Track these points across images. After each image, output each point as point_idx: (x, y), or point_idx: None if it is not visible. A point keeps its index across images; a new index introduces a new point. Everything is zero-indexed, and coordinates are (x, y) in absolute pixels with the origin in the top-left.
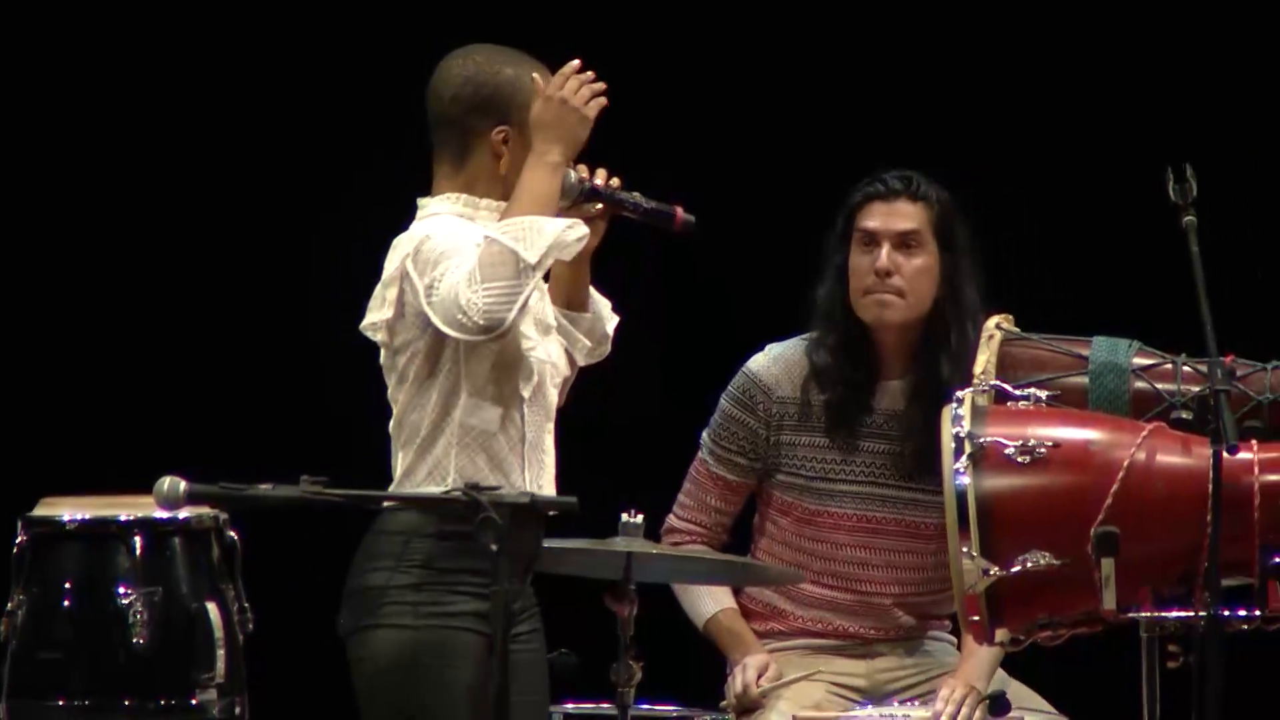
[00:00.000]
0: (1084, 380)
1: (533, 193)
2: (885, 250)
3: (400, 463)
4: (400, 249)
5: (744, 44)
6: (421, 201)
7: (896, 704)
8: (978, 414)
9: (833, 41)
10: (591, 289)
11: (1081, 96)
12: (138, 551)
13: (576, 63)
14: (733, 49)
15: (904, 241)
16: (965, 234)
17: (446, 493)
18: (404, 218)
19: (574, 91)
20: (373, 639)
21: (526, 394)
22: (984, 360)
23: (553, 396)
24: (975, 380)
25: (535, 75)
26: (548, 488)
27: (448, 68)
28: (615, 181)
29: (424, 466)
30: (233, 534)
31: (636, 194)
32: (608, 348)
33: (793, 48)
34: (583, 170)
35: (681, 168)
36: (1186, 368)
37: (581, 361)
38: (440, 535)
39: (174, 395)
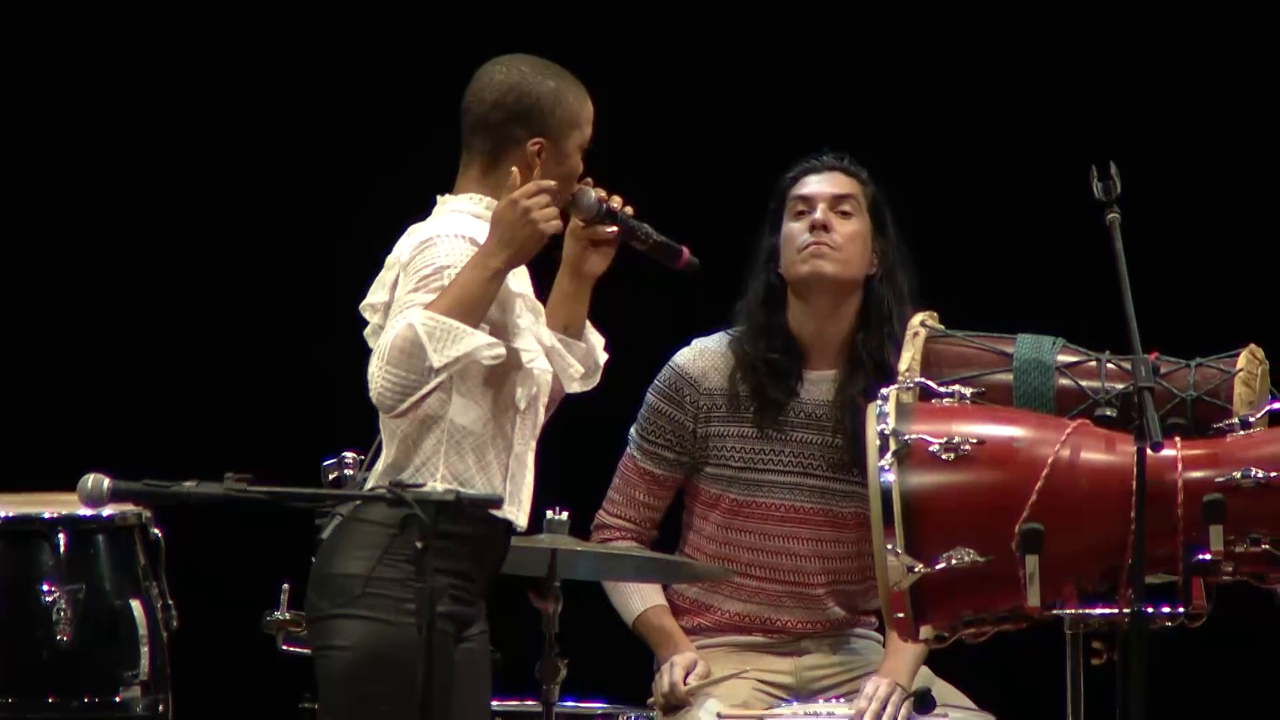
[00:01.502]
0: (1009, 377)
1: (465, 291)
2: (821, 208)
3: (385, 455)
4: (414, 237)
5: (675, 38)
6: (441, 198)
7: (822, 701)
8: (902, 411)
9: (762, 35)
10: (587, 321)
11: (1005, 92)
12: (61, 549)
13: (552, 184)
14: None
15: (838, 205)
16: (896, 227)
17: (371, 489)
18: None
19: (540, 205)
20: (347, 627)
21: (523, 405)
22: (909, 357)
23: (541, 414)
24: (900, 377)
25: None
26: (526, 503)
27: (491, 73)
28: (629, 210)
29: (412, 462)
30: (157, 531)
31: (647, 225)
32: (597, 378)
33: (721, 41)
34: (602, 191)
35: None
36: (1110, 365)
37: (571, 389)
38: (401, 526)
39: (98, 392)
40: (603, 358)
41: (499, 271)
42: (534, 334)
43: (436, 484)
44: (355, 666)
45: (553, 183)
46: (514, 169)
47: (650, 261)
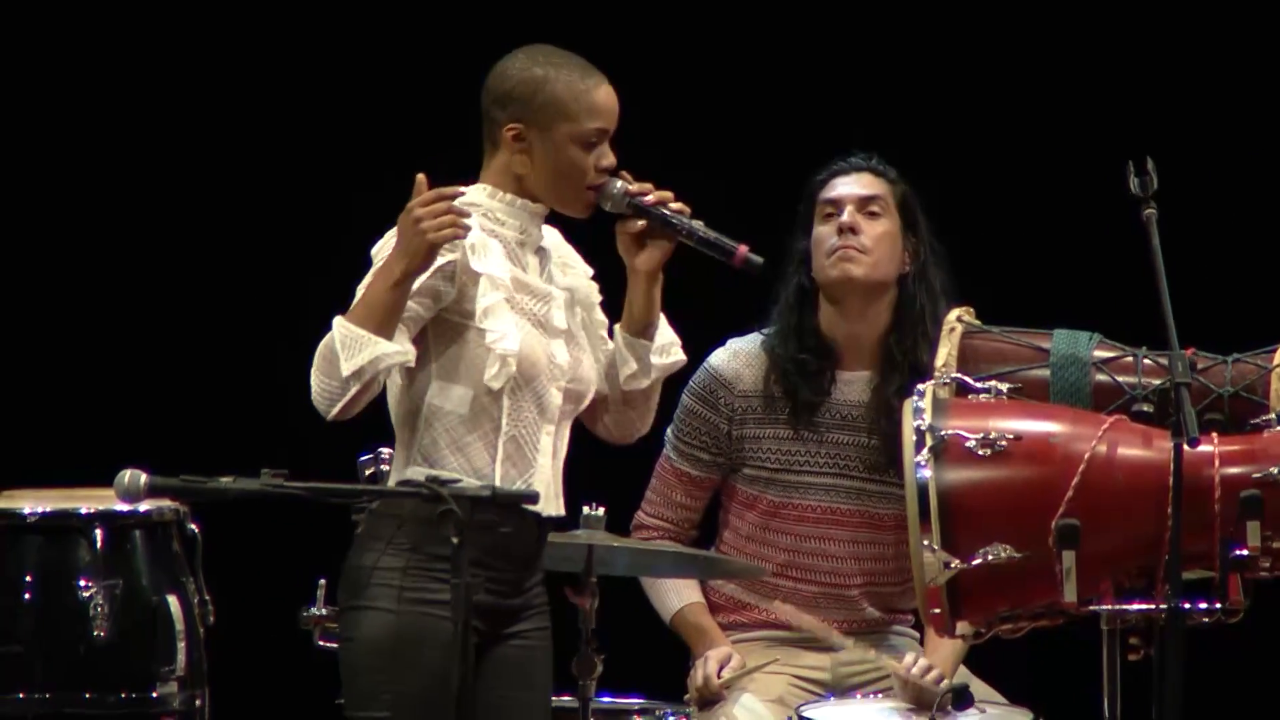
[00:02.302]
0: (1045, 373)
1: (370, 298)
2: (849, 210)
3: (396, 449)
4: None
5: (716, 44)
6: (467, 189)
7: (859, 697)
8: (939, 407)
9: (798, 36)
10: (665, 324)
11: (1043, 88)
12: (99, 544)
13: (455, 190)
14: (698, 46)
15: (866, 206)
16: (928, 225)
17: (411, 486)
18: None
19: (433, 214)
20: (357, 619)
21: (495, 385)
22: (945, 353)
23: (553, 397)
24: (936, 373)
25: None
26: (537, 489)
27: (500, 61)
28: (677, 206)
29: (407, 452)
30: (194, 527)
31: (697, 222)
32: (646, 382)
33: (753, 42)
34: (630, 182)
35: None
36: (1147, 360)
37: (624, 384)
38: (429, 521)
39: (135, 388)
40: (669, 360)
41: (399, 280)
42: (512, 315)
43: (416, 467)
44: (360, 656)
45: (456, 189)
46: (419, 175)
47: (697, 259)
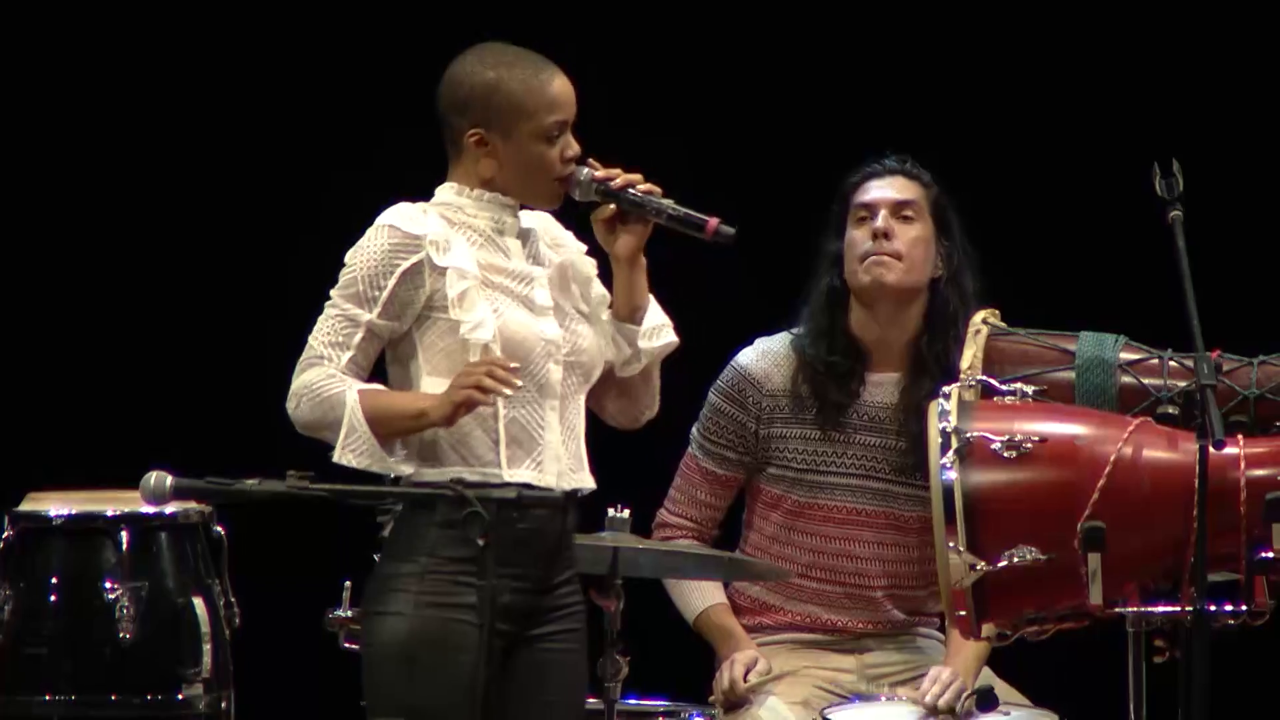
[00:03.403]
0: (1070, 375)
1: (392, 410)
2: (882, 214)
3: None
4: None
5: (740, 42)
6: (437, 189)
7: (884, 697)
8: (964, 409)
9: (825, 37)
10: (656, 307)
11: (1069, 91)
12: (124, 546)
13: (510, 365)
14: (730, 47)
15: (900, 211)
16: (961, 228)
17: (436, 487)
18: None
19: (472, 379)
20: (376, 626)
21: None
22: (970, 355)
23: (552, 373)
24: (962, 375)
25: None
26: (548, 466)
27: (450, 65)
28: (646, 186)
29: (406, 451)
30: (219, 529)
31: (667, 200)
32: (639, 365)
33: (786, 44)
34: (598, 168)
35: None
36: (1173, 363)
37: (619, 371)
38: (448, 524)
39: (160, 390)
40: (659, 343)
41: (424, 423)
42: (490, 303)
43: (420, 466)
44: (380, 662)
45: (510, 364)
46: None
47: (711, 260)
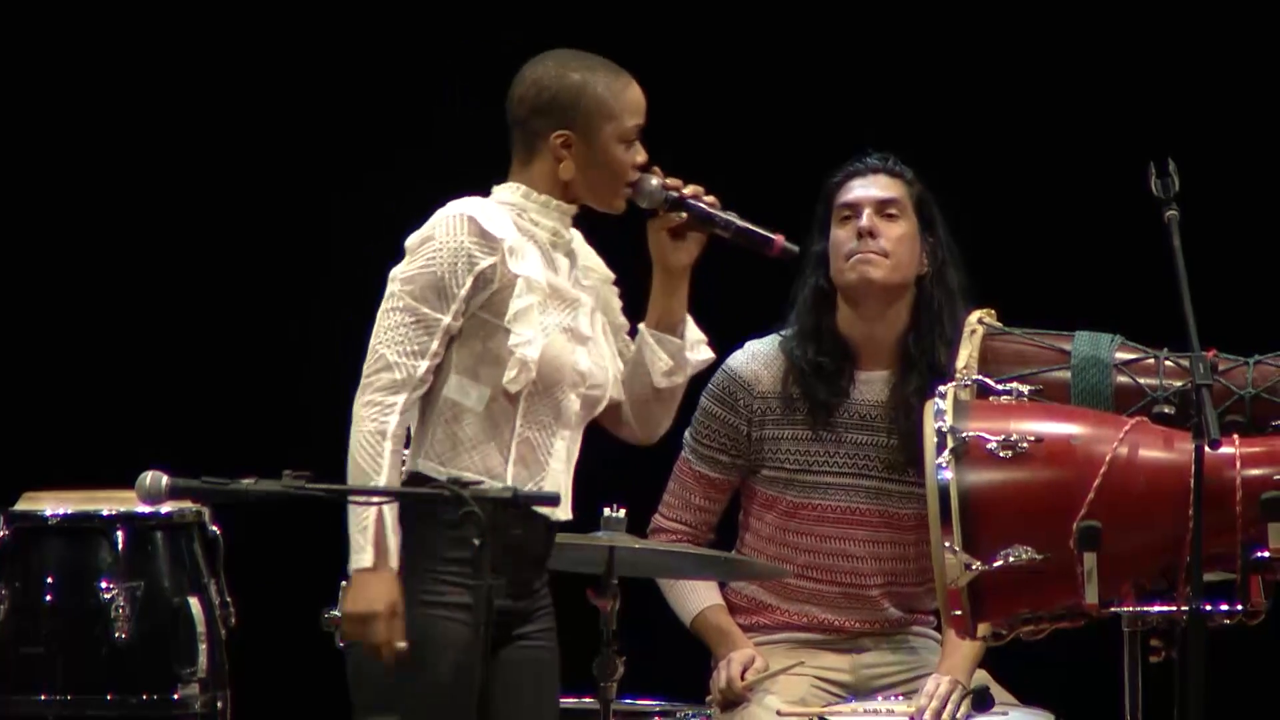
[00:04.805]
0: (1066, 375)
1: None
2: (867, 213)
3: (411, 441)
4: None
5: (726, 42)
6: (495, 188)
7: (880, 699)
8: (960, 408)
9: (812, 36)
10: (690, 320)
11: (1063, 89)
12: (120, 546)
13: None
14: (715, 47)
15: (884, 209)
16: (944, 224)
17: (433, 487)
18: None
19: (377, 637)
20: None
21: (513, 388)
22: (966, 354)
23: (571, 403)
24: (957, 375)
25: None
26: (553, 489)
27: (524, 70)
28: (710, 199)
29: (419, 445)
30: (215, 528)
31: (731, 213)
32: (682, 378)
33: (772, 43)
34: (667, 179)
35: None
36: (1169, 362)
37: (659, 384)
38: (441, 523)
39: (156, 390)
40: (700, 356)
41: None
42: (541, 321)
43: (428, 462)
44: (360, 658)
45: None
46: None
47: (703, 263)
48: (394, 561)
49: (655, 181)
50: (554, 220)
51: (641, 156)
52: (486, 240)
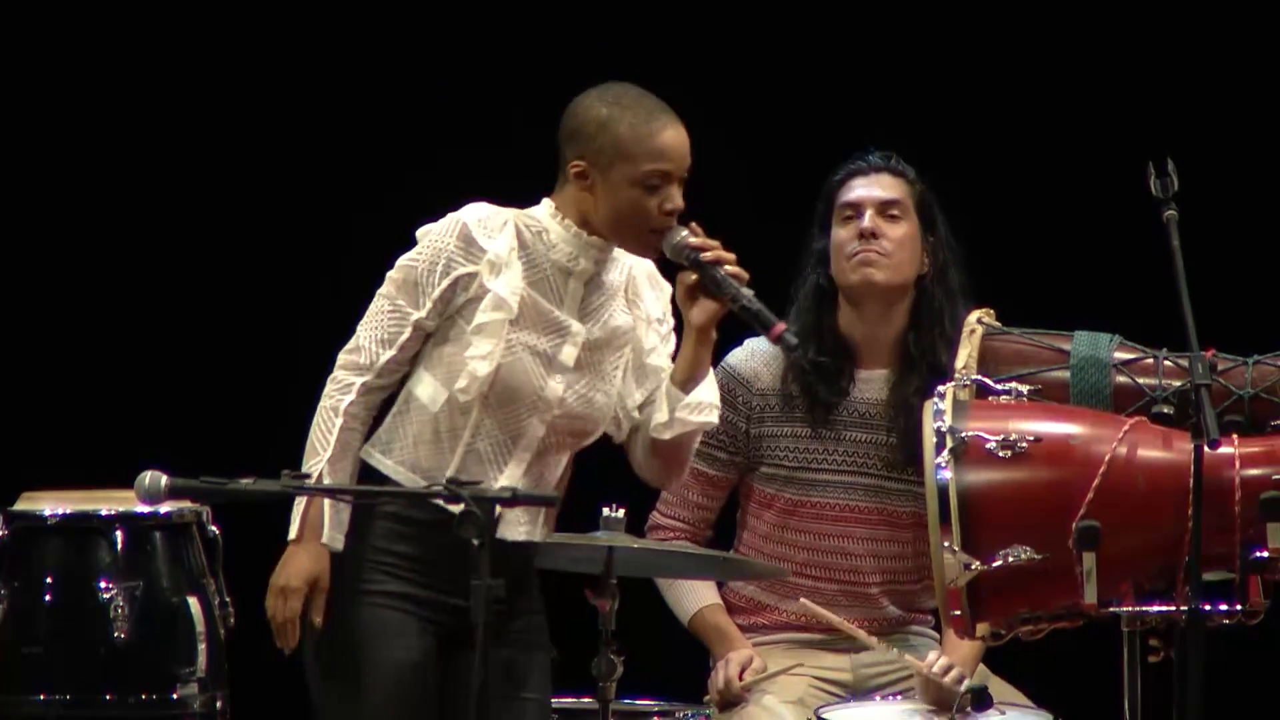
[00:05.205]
0: (1065, 374)
1: (310, 506)
2: (869, 214)
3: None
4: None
5: (728, 39)
6: (544, 201)
7: (879, 699)
8: (959, 408)
9: (813, 34)
10: (710, 384)
11: (1062, 89)
12: (119, 546)
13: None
14: (718, 44)
15: (886, 210)
16: (945, 224)
17: (428, 487)
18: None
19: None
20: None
21: (461, 397)
22: (965, 354)
23: (533, 428)
24: (957, 374)
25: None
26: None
27: (577, 97)
28: (733, 270)
29: (375, 431)
30: (214, 528)
31: (747, 291)
32: (670, 435)
33: (774, 40)
34: (695, 234)
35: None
36: (1168, 362)
37: (653, 431)
38: (390, 517)
39: (155, 389)
40: (699, 418)
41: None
42: (509, 338)
43: (373, 450)
44: (315, 650)
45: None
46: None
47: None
48: (325, 538)
49: (680, 236)
50: (573, 247)
51: (672, 204)
52: (471, 249)
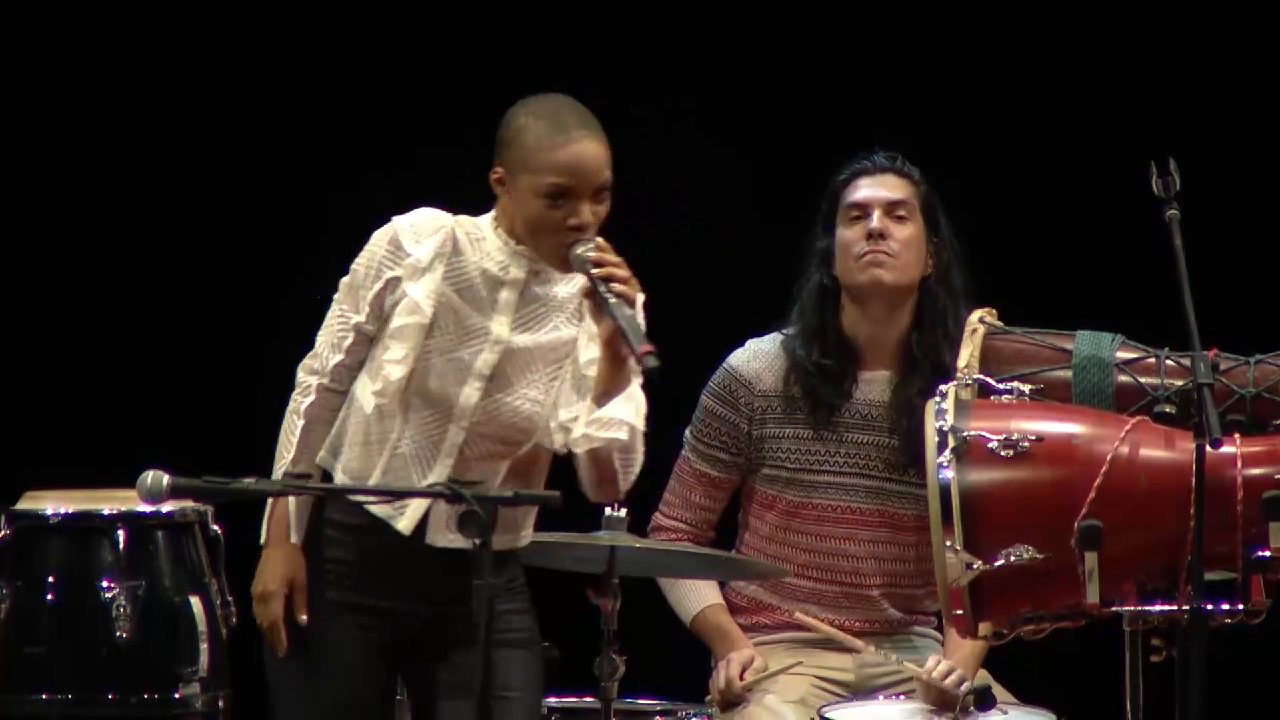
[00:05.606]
0: (1067, 374)
1: (276, 509)
2: (877, 214)
3: None
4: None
5: (732, 39)
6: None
7: (881, 698)
8: (961, 408)
9: (816, 33)
10: (622, 401)
11: (1064, 89)
12: (121, 545)
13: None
14: (722, 44)
15: (894, 211)
16: (948, 225)
17: (431, 487)
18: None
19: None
20: None
21: (379, 400)
22: (967, 354)
23: (452, 434)
24: (958, 374)
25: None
26: (409, 512)
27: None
28: (621, 289)
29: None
30: (216, 528)
31: (630, 311)
32: (568, 444)
33: (777, 40)
34: (598, 249)
35: (670, 163)
36: (1170, 361)
37: (568, 445)
38: (329, 524)
39: (157, 389)
40: (604, 434)
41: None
42: (427, 344)
43: (325, 451)
44: (271, 663)
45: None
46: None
47: (708, 262)
48: (294, 536)
49: (581, 250)
50: (505, 255)
51: (576, 218)
52: (398, 253)
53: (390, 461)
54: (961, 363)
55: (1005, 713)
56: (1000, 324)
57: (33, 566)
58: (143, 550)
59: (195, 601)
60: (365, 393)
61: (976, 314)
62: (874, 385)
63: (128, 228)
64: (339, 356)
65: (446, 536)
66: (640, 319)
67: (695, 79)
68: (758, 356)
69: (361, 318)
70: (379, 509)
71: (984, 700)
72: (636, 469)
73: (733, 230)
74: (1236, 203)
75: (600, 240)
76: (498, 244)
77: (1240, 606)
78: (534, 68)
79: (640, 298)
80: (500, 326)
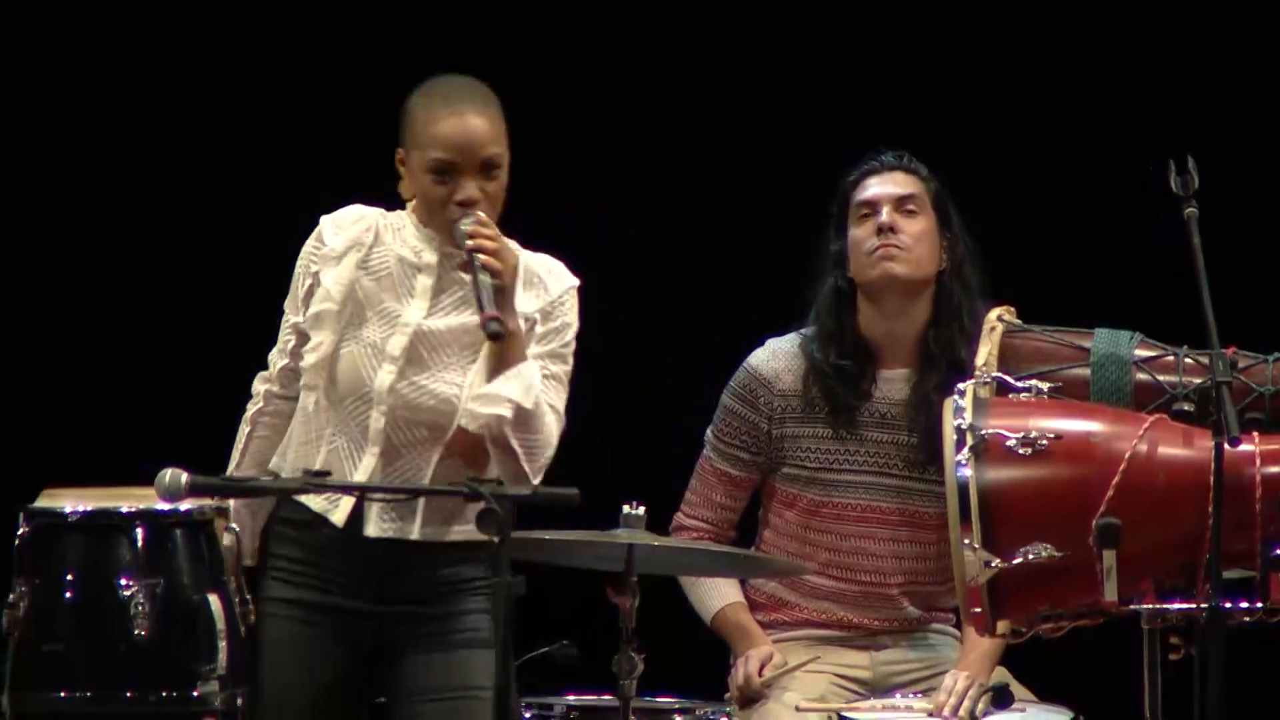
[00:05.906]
0: (1086, 372)
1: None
2: (886, 210)
3: None
4: None
5: (742, 40)
6: None
7: (899, 696)
8: (979, 406)
9: (832, 34)
10: (511, 379)
11: (1082, 86)
12: (139, 543)
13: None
14: (732, 45)
15: (903, 205)
16: (960, 221)
17: (450, 484)
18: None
19: None
20: None
21: (305, 389)
22: (985, 352)
23: (373, 420)
24: (977, 372)
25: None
26: (343, 504)
27: None
28: (485, 260)
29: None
30: (235, 526)
31: (486, 277)
32: (472, 427)
33: (790, 40)
34: (476, 223)
35: (686, 163)
36: (1188, 359)
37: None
38: (280, 521)
39: (176, 387)
40: (487, 410)
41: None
42: (344, 332)
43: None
44: None
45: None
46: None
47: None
48: (248, 559)
49: (465, 224)
50: (418, 240)
51: (461, 194)
52: (320, 247)
53: (327, 457)
54: (980, 360)
55: (1024, 710)
56: (1019, 322)
57: (51, 564)
58: (161, 548)
59: (214, 599)
60: (306, 391)
61: (995, 312)
62: (892, 384)
63: (146, 227)
64: (284, 360)
65: (380, 526)
66: (491, 286)
67: (695, 78)
68: (777, 356)
69: (299, 318)
70: (315, 503)
71: (1002, 698)
72: (543, 453)
73: (731, 230)
74: (1255, 200)
75: (481, 215)
76: (412, 230)
77: (1259, 605)
78: (534, 68)
79: (503, 268)
80: (412, 310)
